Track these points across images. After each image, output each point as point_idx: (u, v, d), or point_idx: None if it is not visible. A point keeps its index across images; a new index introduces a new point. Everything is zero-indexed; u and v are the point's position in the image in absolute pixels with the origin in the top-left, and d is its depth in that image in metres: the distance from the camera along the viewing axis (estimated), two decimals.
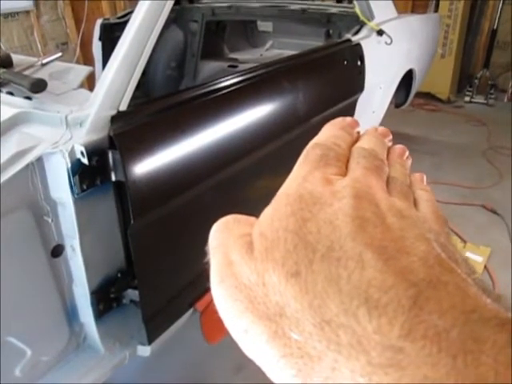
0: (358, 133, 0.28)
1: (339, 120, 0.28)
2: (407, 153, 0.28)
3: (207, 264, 0.22)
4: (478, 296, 0.17)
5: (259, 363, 0.19)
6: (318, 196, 0.21)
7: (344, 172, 0.23)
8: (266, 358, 0.18)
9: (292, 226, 0.19)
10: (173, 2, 1.21)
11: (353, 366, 0.16)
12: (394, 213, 0.20)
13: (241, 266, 0.20)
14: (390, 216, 0.20)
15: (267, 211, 0.21)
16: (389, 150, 0.27)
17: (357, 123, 0.28)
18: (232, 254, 0.21)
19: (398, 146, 0.29)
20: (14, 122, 1.05)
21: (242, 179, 1.51)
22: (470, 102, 4.71)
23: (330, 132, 0.26)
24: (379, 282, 0.17)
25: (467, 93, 4.75)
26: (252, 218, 0.23)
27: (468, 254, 2.32)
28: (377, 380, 0.15)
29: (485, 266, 2.24)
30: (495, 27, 4.67)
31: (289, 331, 0.18)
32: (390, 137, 0.28)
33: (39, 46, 3.56)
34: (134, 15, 1.17)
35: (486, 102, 4.66)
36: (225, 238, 0.22)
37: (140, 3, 1.17)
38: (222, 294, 0.20)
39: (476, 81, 4.74)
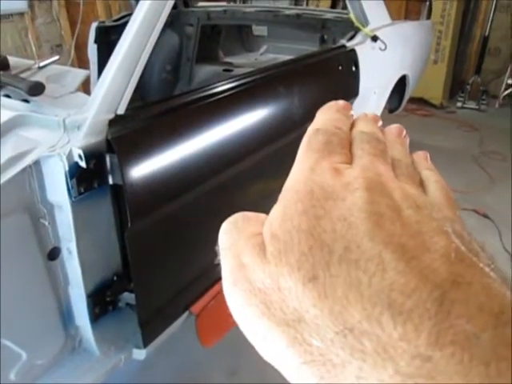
0: (352, 116, 0.26)
1: (333, 103, 0.26)
2: (404, 131, 0.27)
3: (218, 265, 0.21)
4: (503, 293, 0.16)
5: (279, 368, 0.18)
6: (329, 190, 0.19)
7: (349, 158, 0.22)
8: (287, 363, 0.18)
9: (305, 226, 0.18)
10: (171, 7, 1.21)
11: (379, 374, 0.15)
12: (409, 204, 0.19)
13: (253, 269, 0.19)
14: (406, 208, 0.19)
15: (277, 210, 0.20)
16: (384, 131, 0.27)
17: (350, 105, 0.27)
18: (244, 256, 0.20)
19: (395, 126, 0.28)
20: (12, 125, 1.05)
21: (239, 183, 1.52)
22: (462, 107, 4.76)
23: (328, 115, 0.25)
24: (402, 285, 0.16)
25: (459, 98, 4.80)
26: (262, 215, 0.22)
27: None
28: None
29: None
30: (487, 34, 4.73)
31: (309, 337, 0.17)
32: (381, 122, 0.27)
33: (33, 47, 3.55)
34: (132, 18, 1.17)
35: (477, 107, 4.71)
36: (235, 239, 0.21)
37: (138, 7, 1.18)
38: (235, 298, 0.19)
39: (468, 87, 4.80)
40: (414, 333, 0.15)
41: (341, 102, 0.26)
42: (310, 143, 0.23)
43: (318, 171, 0.21)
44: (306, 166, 0.21)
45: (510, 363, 0.14)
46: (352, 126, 0.25)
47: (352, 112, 0.26)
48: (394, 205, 0.19)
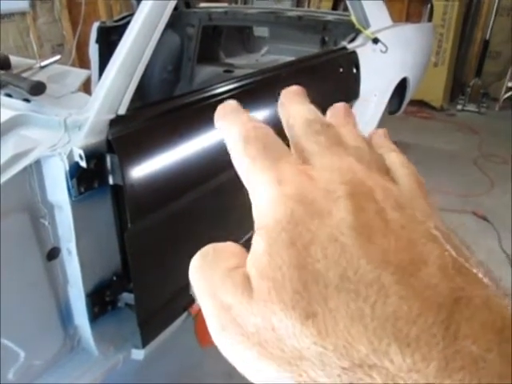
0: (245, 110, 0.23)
1: (221, 106, 0.24)
2: (349, 107, 0.25)
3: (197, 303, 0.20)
4: (501, 304, 0.16)
5: None
6: (310, 204, 0.18)
7: (300, 155, 0.20)
8: None
9: (295, 260, 0.17)
10: (173, 7, 1.22)
11: None
12: (391, 203, 0.18)
13: (240, 310, 0.17)
14: (390, 209, 0.18)
15: (259, 245, 0.18)
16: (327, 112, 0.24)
17: (238, 103, 0.24)
18: (225, 296, 0.18)
19: (340, 104, 0.24)
20: (13, 125, 1.05)
21: (239, 184, 1.52)
22: (462, 110, 4.77)
23: (233, 120, 0.22)
24: (405, 312, 0.15)
25: (459, 101, 4.81)
26: (231, 245, 0.20)
27: None
28: None
29: None
30: (487, 37, 4.74)
31: (314, 374, 0.16)
32: (305, 94, 0.23)
33: (35, 47, 3.55)
34: (134, 19, 1.17)
35: (477, 110, 4.72)
36: (209, 277, 0.19)
37: (140, 7, 1.18)
38: (226, 342, 0.18)
39: (468, 89, 4.80)
40: (422, 362, 0.15)
41: (230, 102, 0.24)
42: (248, 156, 0.20)
43: (285, 180, 0.19)
44: (268, 179, 0.19)
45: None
46: (281, 110, 0.22)
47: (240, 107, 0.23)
48: (378, 208, 0.18)
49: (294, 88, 0.23)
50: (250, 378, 0.18)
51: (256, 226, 0.19)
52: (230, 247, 0.20)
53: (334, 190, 0.18)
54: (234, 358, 0.18)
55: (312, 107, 0.22)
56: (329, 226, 0.17)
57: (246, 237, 1.29)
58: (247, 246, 0.20)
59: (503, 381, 0.14)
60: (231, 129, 0.22)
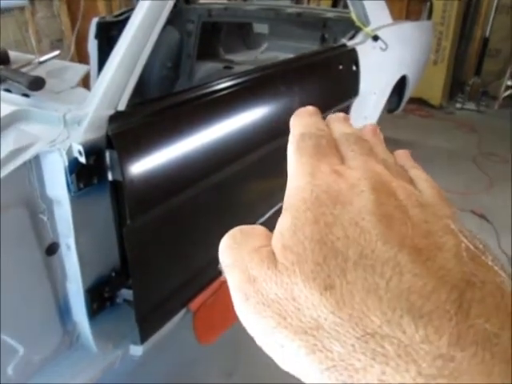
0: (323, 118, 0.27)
1: (303, 109, 0.27)
2: (378, 129, 0.27)
3: (226, 281, 0.21)
4: None
5: (299, 376, 0.18)
6: (334, 194, 0.20)
7: (341, 159, 0.23)
8: (308, 371, 0.17)
9: (318, 235, 0.18)
10: (173, 3, 1.21)
11: (402, 377, 0.15)
12: (413, 202, 0.20)
13: (265, 281, 0.19)
14: (411, 207, 0.19)
15: (286, 221, 0.20)
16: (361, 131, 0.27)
17: (318, 110, 0.27)
18: (251, 269, 0.20)
19: (369, 125, 0.28)
20: (12, 120, 1.05)
21: (238, 181, 1.52)
22: (462, 108, 4.77)
23: (305, 120, 0.25)
24: (420, 287, 0.16)
25: (459, 99, 4.81)
26: (258, 227, 0.22)
27: None
28: None
29: None
30: (487, 35, 4.73)
31: (329, 344, 0.17)
32: (350, 120, 0.27)
33: (33, 42, 3.54)
34: (134, 14, 1.17)
35: (477, 108, 4.72)
36: (237, 254, 0.21)
37: (140, 3, 1.18)
38: (248, 311, 0.19)
39: (467, 88, 4.80)
40: (435, 335, 0.15)
41: (310, 108, 0.27)
42: (300, 148, 0.23)
43: (319, 175, 0.21)
44: (305, 171, 0.21)
45: None
46: (327, 127, 0.26)
47: (321, 116, 0.27)
48: (400, 204, 0.19)
49: (344, 116, 0.27)
50: (267, 350, 0.19)
51: (283, 207, 0.21)
52: (256, 230, 0.22)
53: (358, 185, 0.20)
54: (254, 328, 0.19)
55: (353, 128, 0.26)
56: (351, 212, 0.19)
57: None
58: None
59: None
60: (298, 125, 0.25)
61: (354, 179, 0.20)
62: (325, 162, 0.22)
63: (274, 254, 0.19)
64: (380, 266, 0.17)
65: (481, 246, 0.19)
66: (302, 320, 0.17)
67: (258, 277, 0.19)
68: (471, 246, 0.18)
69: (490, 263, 0.17)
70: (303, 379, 0.18)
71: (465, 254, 0.17)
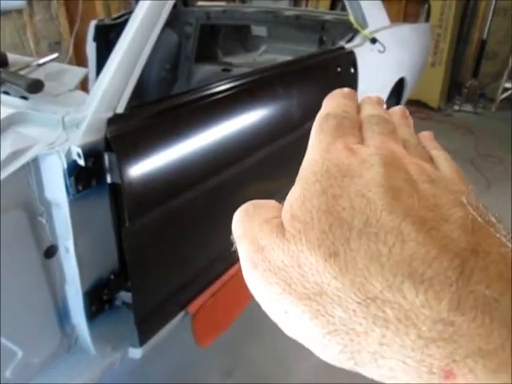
0: (357, 100, 0.28)
1: (338, 90, 0.27)
2: (407, 112, 0.28)
3: (235, 252, 0.22)
4: None
5: (302, 341, 0.19)
6: (345, 168, 0.20)
7: (361, 139, 0.23)
8: (310, 335, 0.18)
9: (324, 206, 0.19)
10: (172, 5, 1.22)
11: (402, 340, 0.16)
12: (425, 178, 0.20)
13: (273, 249, 0.20)
14: (421, 182, 0.20)
15: (295, 192, 0.21)
16: (389, 113, 0.27)
17: (354, 92, 0.27)
18: (261, 239, 0.20)
19: (398, 108, 0.28)
20: (10, 122, 1.05)
21: (237, 183, 1.52)
22: (459, 110, 4.78)
23: (335, 101, 0.26)
24: (422, 254, 0.16)
25: (456, 101, 4.82)
26: (271, 202, 0.23)
27: None
28: (429, 353, 0.15)
29: None
30: (485, 37, 4.75)
31: (331, 309, 0.17)
32: (385, 105, 0.28)
33: (32, 44, 3.54)
34: (132, 17, 1.17)
35: (474, 110, 4.73)
36: (249, 225, 0.22)
37: (139, 6, 1.18)
38: (256, 279, 0.20)
39: (465, 90, 4.82)
40: (435, 299, 0.16)
41: (346, 89, 0.27)
42: (322, 127, 0.24)
43: (333, 151, 0.21)
44: (321, 146, 0.22)
45: None
46: (358, 110, 0.26)
47: (356, 97, 0.27)
48: (410, 179, 0.20)
49: (377, 98, 0.28)
50: (273, 316, 0.20)
51: (296, 179, 0.21)
52: (269, 203, 0.23)
53: (369, 160, 0.20)
54: (261, 295, 0.20)
55: (382, 110, 0.26)
56: (358, 185, 0.19)
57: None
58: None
59: None
60: (327, 105, 0.26)
61: (365, 155, 0.21)
62: (341, 141, 0.22)
63: (282, 224, 0.20)
64: (383, 235, 0.17)
65: (492, 219, 0.19)
66: (306, 286, 0.18)
67: (266, 245, 0.20)
68: (479, 219, 0.18)
69: (497, 235, 0.18)
70: (306, 344, 0.19)
71: (471, 225, 0.18)
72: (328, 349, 0.18)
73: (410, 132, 0.26)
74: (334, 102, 0.26)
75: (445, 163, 0.24)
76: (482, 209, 0.19)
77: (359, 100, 0.28)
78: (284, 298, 0.19)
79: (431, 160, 0.24)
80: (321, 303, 0.18)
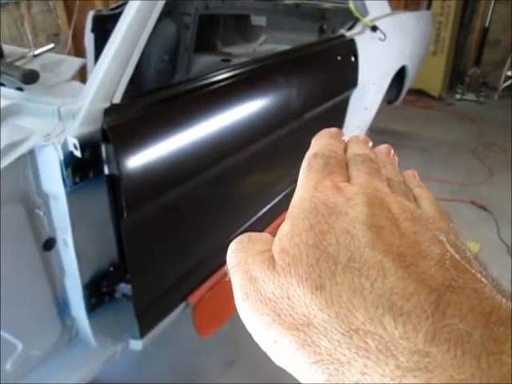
0: (344, 140, 0.29)
1: (325, 131, 0.29)
2: (392, 151, 0.29)
3: (229, 281, 0.23)
4: (493, 296, 0.18)
5: (290, 370, 0.20)
6: (332, 206, 0.21)
7: (347, 178, 0.24)
8: (298, 365, 0.19)
9: (312, 241, 0.20)
10: None
11: (382, 370, 0.17)
12: (406, 216, 0.21)
13: (264, 281, 0.21)
14: (403, 220, 0.21)
15: (285, 227, 0.22)
16: (375, 151, 0.28)
17: (341, 132, 0.29)
18: (253, 270, 0.22)
19: (383, 146, 0.30)
20: (6, 114, 1.04)
21: (236, 173, 1.51)
22: (461, 99, 4.75)
23: (323, 141, 0.27)
24: (401, 289, 0.18)
25: (458, 90, 4.79)
26: (265, 235, 0.24)
27: None
28: (406, 383, 0.16)
29: None
30: (487, 25, 4.70)
31: (318, 339, 0.18)
32: (371, 143, 0.29)
33: (30, 37, 3.51)
34: (127, 6, 1.15)
35: (476, 99, 4.70)
36: (243, 256, 0.23)
37: None
38: (248, 309, 0.21)
39: (467, 78, 4.78)
40: (413, 332, 0.17)
41: (333, 130, 0.29)
42: (310, 166, 0.25)
43: (321, 189, 0.23)
44: (310, 185, 0.23)
45: (497, 357, 0.16)
46: (346, 148, 0.28)
47: (343, 137, 0.29)
48: (392, 217, 0.21)
49: (364, 137, 0.29)
50: (263, 346, 0.21)
51: (286, 215, 0.23)
52: (262, 236, 0.24)
53: (354, 199, 0.22)
54: (252, 324, 0.21)
55: (368, 149, 0.28)
56: (344, 222, 0.20)
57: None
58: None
59: (488, 357, 0.16)
60: (315, 145, 0.27)
61: (351, 193, 0.22)
62: (328, 179, 0.23)
63: (273, 257, 0.21)
64: (366, 270, 0.18)
65: (469, 255, 0.20)
66: (294, 317, 0.19)
67: (258, 277, 0.21)
68: (457, 256, 0.19)
69: (473, 271, 0.19)
70: (294, 373, 0.20)
71: (448, 262, 0.19)
72: (314, 378, 0.18)
73: (394, 170, 0.27)
74: (321, 141, 0.27)
75: (426, 201, 0.25)
76: (460, 245, 0.20)
77: (347, 139, 0.29)
78: (274, 328, 0.20)
79: (414, 198, 0.26)
80: (308, 334, 0.18)
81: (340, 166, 0.25)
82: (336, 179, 0.24)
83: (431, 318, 0.17)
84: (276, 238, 0.22)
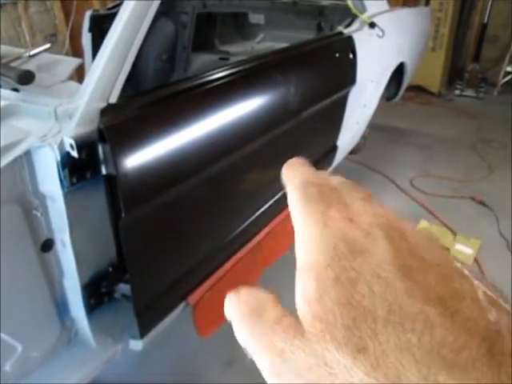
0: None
1: (293, 160, 0.27)
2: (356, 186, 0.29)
3: (252, 361, 0.21)
4: None
5: None
6: (352, 243, 0.20)
7: (344, 205, 0.23)
8: None
9: (344, 298, 0.18)
10: None
11: None
12: (423, 246, 0.20)
13: (292, 352, 0.19)
14: (424, 251, 0.20)
15: (309, 286, 0.19)
16: None
17: (306, 160, 0.27)
18: (277, 342, 0.19)
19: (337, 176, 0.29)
20: (1, 115, 1.03)
21: (234, 172, 1.50)
22: (460, 95, 4.74)
23: (300, 170, 0.25)
24: (451, 342, 0.16)
25: (457, 86, 4.78)
26: (269, 297, 0.22)
27: (458, 246, 2.34)
28: None
29: (474, 258, 2.26)
30: (485, 21, 4.69)
31: None
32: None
33: (27, 37, 3.50)
34: (123, 5, 1.15)
35: (475, 95, 4.69)
36: (260, 331, 0.20)
37: None
38: None
39: (466, 74, 4.77)
40: None
41: (299, 159, 0.27)
42: (305, 196, 0.23)
43: (331, 223, 0.21)
44: (315, 219, 0.21)
45: None
46: None
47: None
48: (413, 249, 0.20)
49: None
50: None
51: (300, 263, 0.20)
52: (266, 301, 0.22)
53: (371, 233, 0.20)
54: None
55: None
56: (371, 264, 0.19)
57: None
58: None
59: None
60: (296, 175, 0.25)
61: (365, 225, 0.21)
62: (334, 210, 0.22)
63: (296, 322, 0.19)
64: (410, 322, 0.17)
65: (492, 286, 0.19)
66: (336, 383, 0.17)
67: (284, 349, 0.19)
68: (487, 291, 0.18)
69: (506, 306, 0.18)
70: None
71: (482, 298, 0.18)
72: None
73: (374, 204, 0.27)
74: (299, 170, 0.25)
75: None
76: (478, 275, 0.20)
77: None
78: None
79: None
80: None
81: (334, 192, 0.23)
82: (339, 208, 0.22)
83: (489, 372, 0.16)
84: (300, 300, 0.20)
